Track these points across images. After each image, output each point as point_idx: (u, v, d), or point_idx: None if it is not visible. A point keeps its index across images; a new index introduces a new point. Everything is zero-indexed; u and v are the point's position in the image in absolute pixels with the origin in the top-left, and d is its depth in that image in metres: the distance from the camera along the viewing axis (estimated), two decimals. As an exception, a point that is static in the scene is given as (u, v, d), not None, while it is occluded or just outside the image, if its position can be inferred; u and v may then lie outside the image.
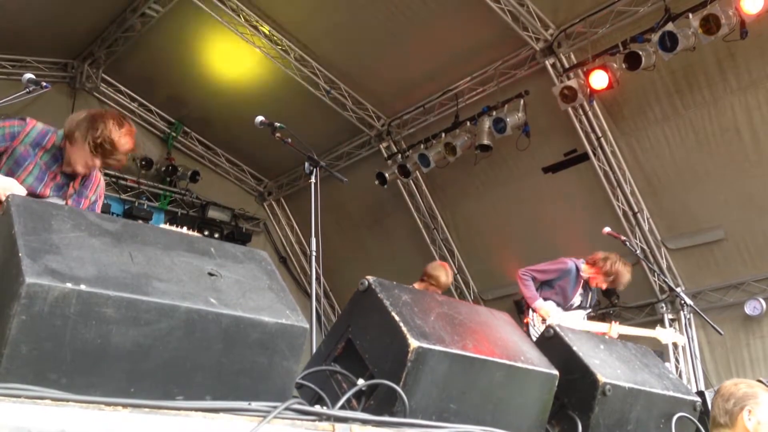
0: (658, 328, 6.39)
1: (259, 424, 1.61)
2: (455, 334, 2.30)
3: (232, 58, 9.67)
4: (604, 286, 6.10)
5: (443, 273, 6.23)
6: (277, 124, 4.87)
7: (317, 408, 1.87)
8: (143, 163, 10.92)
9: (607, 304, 8.96)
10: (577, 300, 6.03)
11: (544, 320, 5.85)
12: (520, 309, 9.67)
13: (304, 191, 10.89)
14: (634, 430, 2.84)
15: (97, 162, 3.56)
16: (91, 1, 9.12)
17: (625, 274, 5.95)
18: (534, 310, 5.92)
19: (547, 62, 8.26)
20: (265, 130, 4.91)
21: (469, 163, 9.15)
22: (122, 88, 10.88)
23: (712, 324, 5.65)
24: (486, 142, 8.57)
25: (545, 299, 5.99)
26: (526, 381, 2.43)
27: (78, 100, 10.60)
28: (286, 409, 1.71)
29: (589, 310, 6.19)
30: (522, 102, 8.42)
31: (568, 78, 7.95)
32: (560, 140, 8.81)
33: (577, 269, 6.01)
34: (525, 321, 6.08)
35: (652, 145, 8.24)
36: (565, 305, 5.97)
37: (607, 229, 6.14)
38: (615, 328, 6.08)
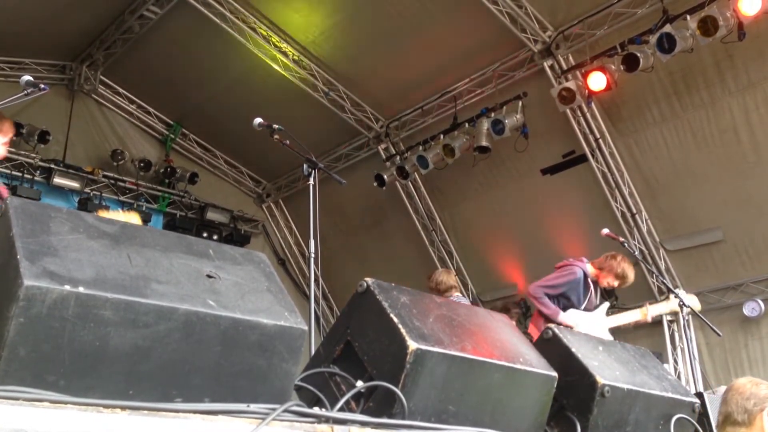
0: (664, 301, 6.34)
1: (258, 426, 1.60)
2: (454, 335, 2.30)
3: (230, 59, 9.67)
4: (616, 284, 6.00)
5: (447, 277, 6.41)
6: (276, 126, 4.87)
7: (316, 410, 1.87)
8: (142, 164, 10.92)
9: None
10: (589, 303, 5.97)
11: None
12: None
13: (302, 193, 10.91)
14: (633, 432, 2.84)
15: None
16: (89, 2, 9.12)
17: (632, 272, 5.91)
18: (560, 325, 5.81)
19: (545, 64, 8.27)
20: (263, 131, 4.92)
21: (467, 164, 9.16)
22: (120, 90, 10.89)
23: (710, 325, 5.65)
24: (484, 143, 8.58)
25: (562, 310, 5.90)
26: (525, 382, 2.43)
27: (76, 102, 10.61)
28: (285, 411, 1.71)
29: (606, 303, 6.11)
30: (520, 104, 8.43)
31: (567, 80, 7.96)
32: (558, 142, 8.82)
33: (585, 274, 5.90)
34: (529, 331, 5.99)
35: (651, 147, 8.25)
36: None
37: (605, 231, 6.11)
38: (651, 310, 6.01)
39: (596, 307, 6.06)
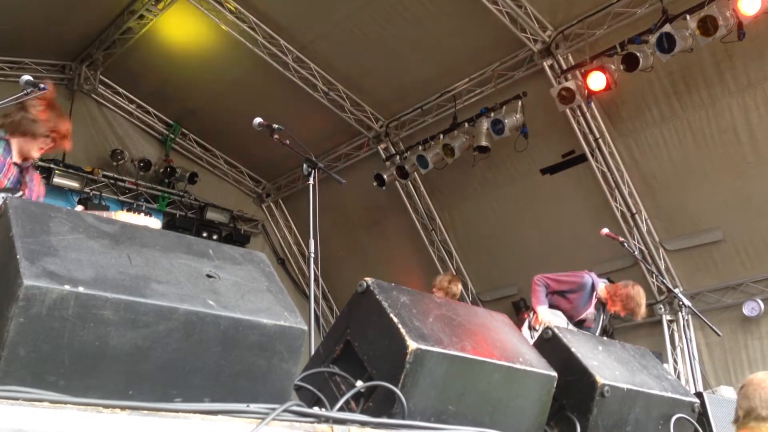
0: None
1: (258, 426, 1.61)
2: (454, 335, 2.30)
3: (230, 59, 9.67)
4: (622, 314, 5.93)
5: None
6: (276, 126, 4.87)
7: (316, 410, 1.87)
8: (141, 164, 10.92)
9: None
10: (587, 316, 5.92)
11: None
12: (518, 310, 9.70)
13: (302, 193, 10.91)
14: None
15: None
16: (88, 3, 9.11)
17: (643, 307, 5.77)
18: (535, 313, 5.82)
19: (545, 64, 8.26)
20: (263, 131, 4.92)
21: (467, 164, 9.15)
22: (120, 89, 10.88)
23: (710, 325, 5.65)
24: (484, 143, 8.58)
25: (556, 307, 5.85)
26: (525, 382, 2.43)
27: (76, 101, 10.60)
28: (285, 411, 1.71)
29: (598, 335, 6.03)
30: (520, 103, 8.42)
31: (566, 79, 7.95)
32: (558, 141, 8.81)
33: (593, 286, 5.85)
34: (524, 316, 5.98)
35: (650, 147, 8.25)
36: (575, 318, 5.86)
37: (605, 231, 6.11)
38: None
39: (595, 330, 5.94)
